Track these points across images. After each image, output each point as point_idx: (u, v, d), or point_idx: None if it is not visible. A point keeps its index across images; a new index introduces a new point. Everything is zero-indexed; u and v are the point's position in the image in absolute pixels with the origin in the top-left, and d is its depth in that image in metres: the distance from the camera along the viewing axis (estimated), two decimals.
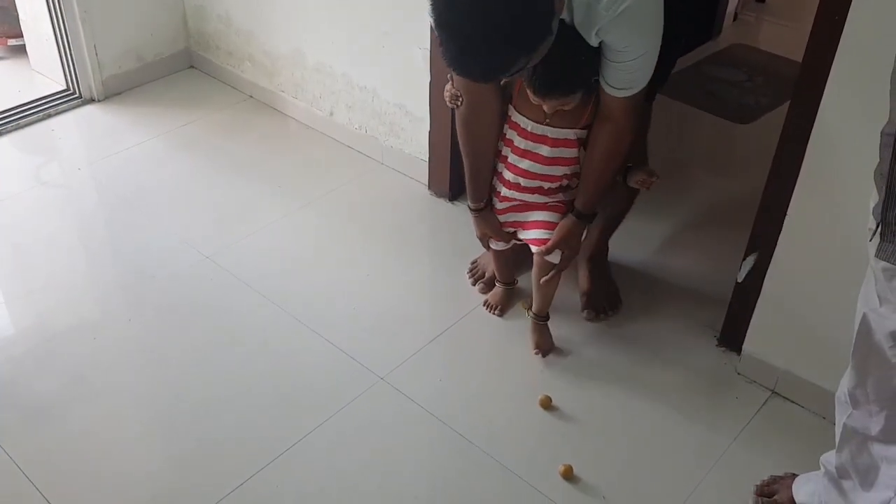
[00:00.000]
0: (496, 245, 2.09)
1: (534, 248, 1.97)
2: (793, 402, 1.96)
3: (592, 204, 1.91)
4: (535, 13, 1.45)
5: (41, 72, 3.18)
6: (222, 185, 2.67)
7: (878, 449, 1.52)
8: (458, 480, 1.78)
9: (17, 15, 3.15)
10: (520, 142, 1.89)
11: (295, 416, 1.90)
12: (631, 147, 1.85)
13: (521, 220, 2.00)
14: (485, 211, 2.02)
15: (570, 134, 1.86)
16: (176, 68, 3.25)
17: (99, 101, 3.07)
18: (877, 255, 1.26)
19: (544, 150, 1.87)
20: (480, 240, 2.10)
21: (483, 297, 2.23)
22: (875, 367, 1.43)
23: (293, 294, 2.24)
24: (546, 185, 1.93)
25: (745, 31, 3.80)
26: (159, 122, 2.97)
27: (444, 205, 2.61)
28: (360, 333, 2.12)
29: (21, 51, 3.27)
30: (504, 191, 1.97)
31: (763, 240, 1.90)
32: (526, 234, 2.00)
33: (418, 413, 1.92)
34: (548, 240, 1.93)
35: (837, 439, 1.59)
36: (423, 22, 2.35)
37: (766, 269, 1.90)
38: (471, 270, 2.31)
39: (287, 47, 2.88)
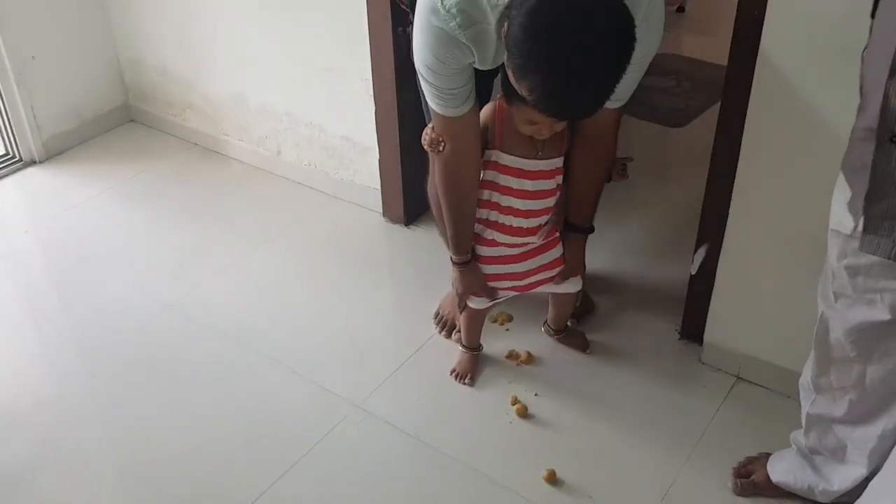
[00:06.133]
0: (476, 303, 1.99)
1: (551, 289, 2.02)
2: (758, 384, 2.03)
3: (591, 213, 1.97)
4: (632, 34, 1.41)
5: None
6: (175, 234, 2.66)
7: (843, 431, 1.58)
8: (444, 497, 1.80)
9: None
10: (519, 184, 1.82)
11: (274, 452, 1.89)
12: None
13: (519, 270, 1.95)
14: (471, 264, 1.93)
15: (559, 162, 1.84)
16: (116, 123, 3.24)
17: (40, 162, 3.04)
18: (861, 249, 1.28)
19: (542, 185, 1.83)
20: (460, 298, 1.98)
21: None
22: (836, 360, 1.50)
23: (258, 332, 2.24)
24: (545, 219, 1.90)
25: (668, 40, 3.92)
26: (104, 177, 2.95)
27: (400, 230, 2.64)
28: (331, 364, 2.13)
29: None
30: (503, 238, 1.90)
31: (711, 231, 1.98)
32: (531, 280, 1.97)
33: (397, 436, 1.93)
34: (554, 277, 1.99)
35: (804, 423, 1.65)
36: (361, 54, 2.41)
37: (718, 258, 1.98)
38: (437, 322, 2.23)
39: (228, 91, 2.90)
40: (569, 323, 2.18)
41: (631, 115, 3.27)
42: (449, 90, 1.66)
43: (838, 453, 1.62)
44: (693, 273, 2.07)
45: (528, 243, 1.92)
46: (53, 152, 3.07)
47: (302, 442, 1.91)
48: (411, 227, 2.64)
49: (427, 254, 2.49)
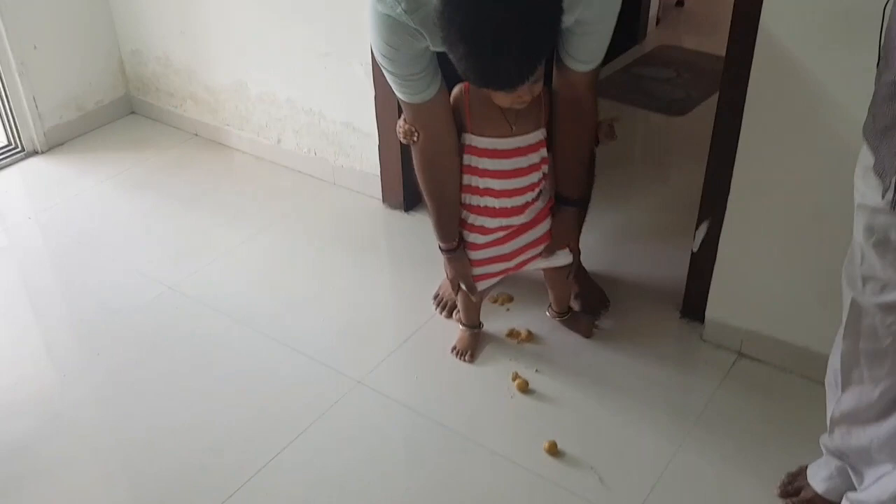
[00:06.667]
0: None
1: (540, 265, 1.97)
2: (759, 360, 2.02)
3: (582, 187, 1.91)
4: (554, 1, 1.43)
5: None
6: (177, 220, 2.67)
7: (869, 430, 1.47)
8: (446, 468, 1.79)
9: None
10: (495, 164, 1.79)
11: (276, 427, 1.89)
12: None
13: (506, 251, 1.92)
14: (458, 251, 1.91)
15: (539, 135, 1.79)
16: (117, 115, 3.25)
17: (42, 152, 3.04)
18: (893, 207, 1.20)
19: (521, 162, 1.79)
20: (452, 283, 1.99)
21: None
22: (868, 349, 1.41)
23: (260, 313, 2.24)
24: (530, 196, 1.85)
25: (669, 33, 3.96)
26: (106, 167, 2.96)
27: (399, 215, 2.64)
28: (332, 342, 2.13)
29: None
30: (489, 221, 1.87)
31: (712, 206, 1.98)
32: (520, 259, 1.94)
33: (399, 410, 1.93)
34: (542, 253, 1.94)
35: (829, 422, 1.55)
36: (361, 38, 2.43)
37: (719, 234, 1.98)
38: (437, 303, 2.23)
39: (228, 80, 2.91)
40: (576, 307, 2.16)
41: (632, 104, 3.29)
42: (409, 76, 1.64)
43: (863, 454, 1.50)
44: (695, 250, 2.07)
45: (513, 225, 1.89)
46: (55, 143, 3.07)
47: (304, 417, 1.91)
48: (411, 212, 2.64)
49: (426, 238, 2.46)
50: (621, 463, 1.79)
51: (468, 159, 1.82)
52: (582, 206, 1.95)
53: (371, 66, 2.47)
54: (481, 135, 1.78)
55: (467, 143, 1.80)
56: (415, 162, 1.84)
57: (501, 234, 1.90)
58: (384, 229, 2.63)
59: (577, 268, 2.05)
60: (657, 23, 4.02)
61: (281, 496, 1.74)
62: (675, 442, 1.83)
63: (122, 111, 3.27)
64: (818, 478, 1.63)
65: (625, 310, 2.21)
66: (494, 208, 1.86)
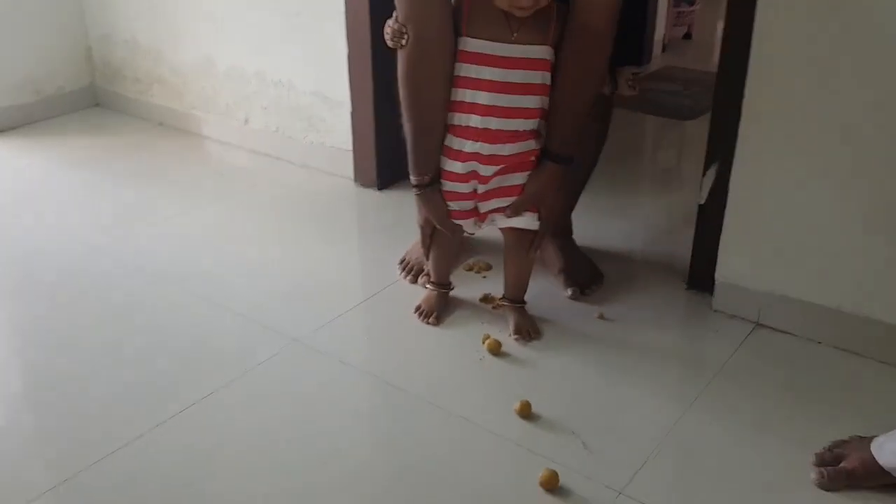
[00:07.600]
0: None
1: (501, 222, 1.64)
2: (781, 330, 1.68)
3: (570, 140, 1.58)
4: None
5: None
6: (121, 193, 2.41)
7: None
8: (395, 430, 1.46)
9: None
10: (486, 73, 1.51)
11: (186, 383, 1.56)
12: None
13: (483, 189, 1.60)
14: (429, 188, 1.62)
15: (542, 52, 1.51)
16: (80, 105, 3.03)
17: None
18: None
19: (516, 76, 1.51)
20: (422, 229, 1.72)
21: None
22: None
23: (194, 275, 1.94)
24: (521, 124, 1.55)
25: (674, 58, 3.78)
26: (57, 148, 2.72)
27: (371, 193, 2.36)
28: (272, 303, 1.82)
29: None
30: (469, 146, 1.55)
31: (720, 148, 1.69)
32: (491, 204, 1.62)
33: (344, 370, 1.59)
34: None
35: None
36: None
37: (729, 178, 1.68)
38: (402, 268, 1.95)
39: (196, 57, 2.69)
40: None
41: (640, 111, 3.06)
42: None
43: None
44: (702, 202, 1.76)
45: (497, 155, 1.56)
46: (6, 126, 2.83)
47: (227, 370, 1.59)
48: (384, 191, 2.36)
49: (399, 215, 2.21)
50: (610, 431, 1.43)
51: (458, 68, 1.53)
52: (565, 163, 1.59)
53: (345, 23, 2.24)
54: (476, 37, 1.51)
55: (460, 48, 1.52)
56: (399, 70, 1.55)
57: (484, 167, 1.57)
58: (354, 207, 2.34)
59: (542, 239, 1.68)
60: (663, 49, 3.85)
61: (176, 452, 1.39)
62: (673, 415, 1.47)
63: (86, 101, 3.05)
64: (887, 449, 1.29)
65: (623, 282, 1.89)
66: (476, 129, 1.54)
